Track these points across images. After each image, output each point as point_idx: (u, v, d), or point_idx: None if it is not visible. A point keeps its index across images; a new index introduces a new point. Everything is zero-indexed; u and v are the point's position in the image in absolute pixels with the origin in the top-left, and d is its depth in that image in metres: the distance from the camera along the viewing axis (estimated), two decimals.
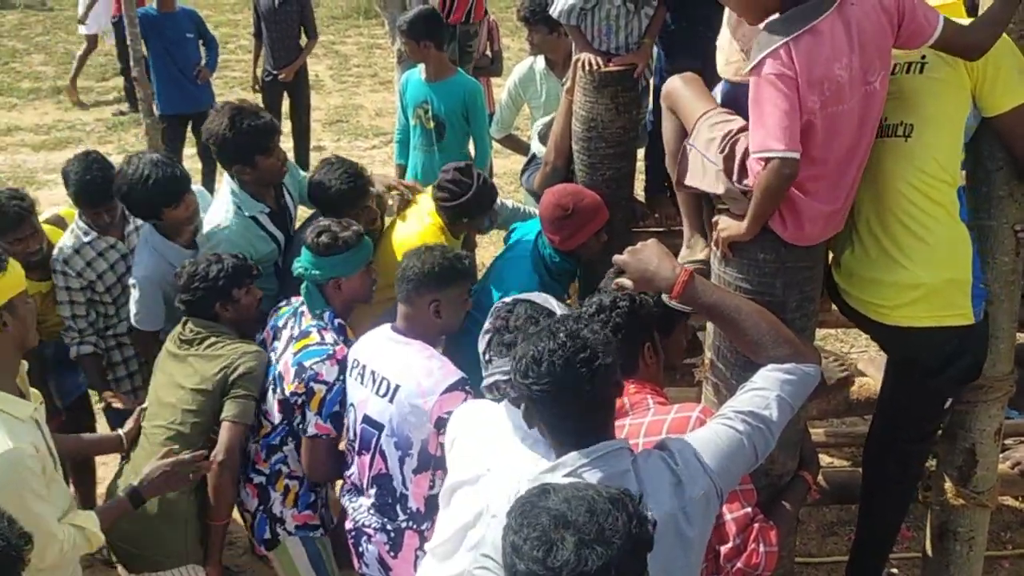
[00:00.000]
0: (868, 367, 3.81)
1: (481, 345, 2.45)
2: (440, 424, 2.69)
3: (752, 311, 2.30)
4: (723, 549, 2.25)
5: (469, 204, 3.69)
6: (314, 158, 8.54)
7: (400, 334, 2.91)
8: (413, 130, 5.26)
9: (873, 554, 3.17)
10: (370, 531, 2.90)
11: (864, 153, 2.47)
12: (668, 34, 3.82)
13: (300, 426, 3.02)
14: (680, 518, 1.92)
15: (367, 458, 2.89)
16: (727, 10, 2.81)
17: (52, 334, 3.66)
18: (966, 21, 2.54)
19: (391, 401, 2.80)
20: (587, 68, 3.47)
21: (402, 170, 5.40)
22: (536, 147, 4.16)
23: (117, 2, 8.47)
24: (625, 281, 2.41)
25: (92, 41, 10.61)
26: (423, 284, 2.86)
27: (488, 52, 6.47)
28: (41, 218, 3.69)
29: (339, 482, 3.14)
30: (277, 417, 3.07)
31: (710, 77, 4.03)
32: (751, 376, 2.24)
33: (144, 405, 3.23)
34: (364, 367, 2.91)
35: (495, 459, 2.28)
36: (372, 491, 2.89)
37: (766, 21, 2.37)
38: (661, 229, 3.84)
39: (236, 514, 3.30)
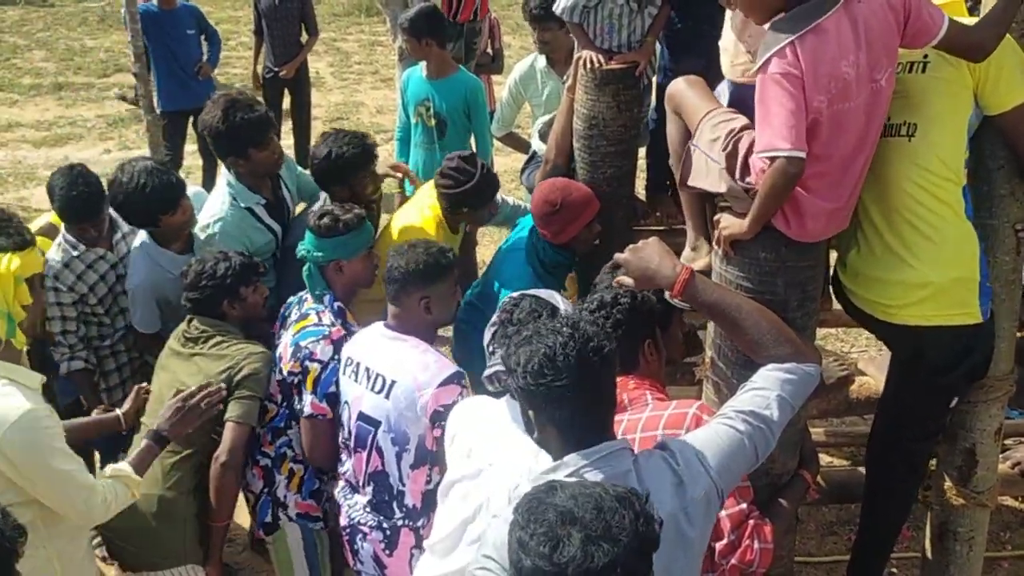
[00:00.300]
0: (868, 367, 3.80)
1: (486, 337, 2.48)
2: (436, 418, 2.70)
3: (753, 310, 2.30)
4: (718, 545, 2.24)
5: (471, 192, 3.68)
6: None
7: (393, 330, 2.92)
8: (414, 128, 5.25)
9: (875, 553, 3.16)
10: (366, 529, 2.90)
11: (870, 151, 2.47)
12: (672, 32, 3.81)
13: (299, 408, 3.04)
14: (681, 518, 1.92)
15: (363, 455, 2.89)
16: (729, 12, 2.81)
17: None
18: (969, 21, 2.54)
19: (387, 397, 2.81)
20: (588, 66, 3.47)
21: None
22: (537, 145, 4.16)
23: None
24: (626, 279, 2.40)
25: None
26: (410, 283, 2.88)
27: (489, 50, 6.47)
28: (33, 227, 3.59)
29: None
30: (278, 398, 3.10)
31: (714, 76, 4.04)
32: (752, 375, 2.24)
33: (143, 385, 3.21)
34: (358, 364, 2.91)
35: (496, 454, 2.28)
36: (368, 489, 2.89)
37: (772, 20, 2.37)
38: (662, 227, 3.84)
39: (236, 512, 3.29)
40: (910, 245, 2.59)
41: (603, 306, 2.49)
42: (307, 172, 4.00)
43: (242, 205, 3.61)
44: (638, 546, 1.53)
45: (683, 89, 2.87)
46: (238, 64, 11.55)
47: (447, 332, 3.94)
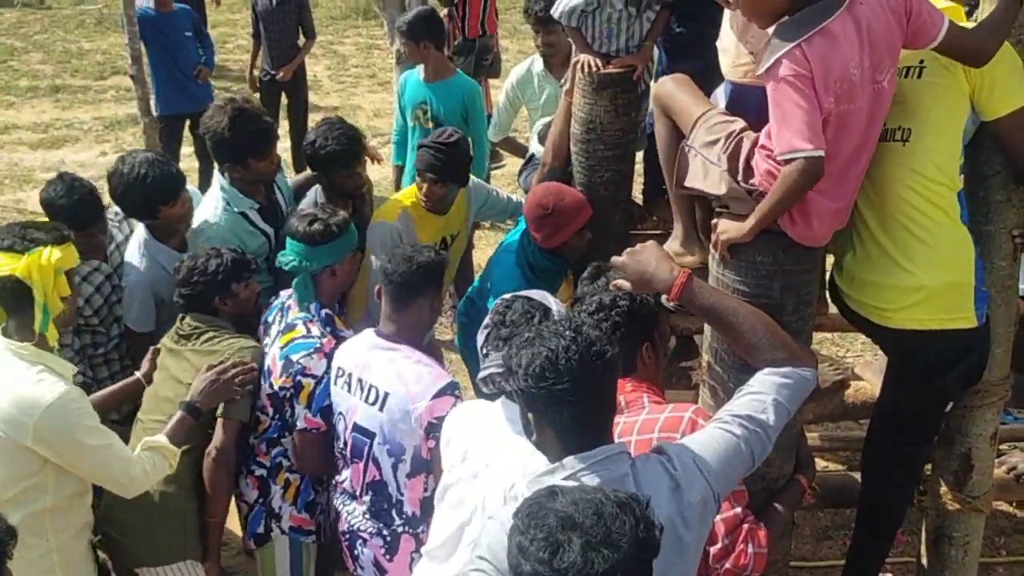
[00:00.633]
0: (864, 371, 3.80)
1: (480, 339, 2.47)
2: (430, 430, 2.68)
3: (749, 314, 2.30)
4: (712, 550, 2.24)
5: (441, 158, 3.70)
6: None
7: (385, 338, 2.88)
8: (412, 131, 5.25)
9: (870, 558, 3.16)
10: (365, 535, 2.89)
11: (869, 151, 2.48)
12: (671, 36, 3.81)
13: (291, 419, 3.01)
14: (678, 523, 1.92)
15: (360, 466, 2.87)
16: (728, 12, 2.81)
17: None
18: (967, 25, 2.54)
19: (381, 409, 2.79)
20: (586, 70, 3.47)
21: (399, 171, 5.39)
22: (535, 147, 4.16)
23: None
24: (623, 283, 2.40)
25: None
26: (427, 284, 2.87)
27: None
28: None
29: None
30: (270, 411, 3.06)
31: (712, 79, 4.04)
32: (748, 379, 2.23)
33: (157, 347, 3.22)
34: (350, 375, 2.88)
35: (492, 457, 2.27)
36: (367, 497, 2.88)
37: (776, 24, 2.37)
38: (659, 231, 3.83)
39: (230, 518, 3.28)
40: (905, 249, 2.59)
41: (601, 308, 2.48)
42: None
43: (235, 210, 3.60)
44: (638, 552, 1.53)
45: (671, 89, 2.87)
46: (235, 67, 11.53)
47: (443, 336, 3.95)
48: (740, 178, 2.50)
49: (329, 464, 3.08)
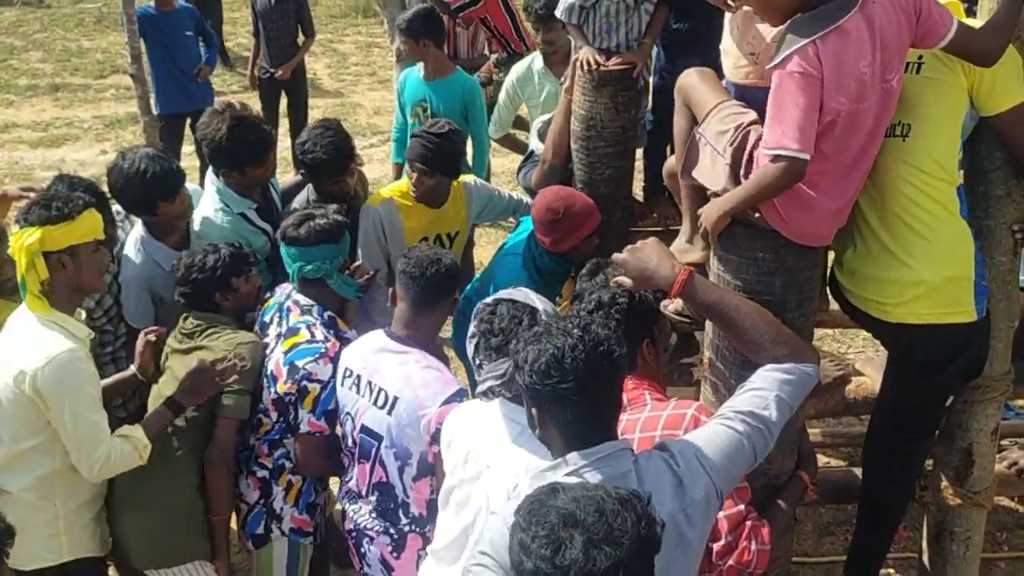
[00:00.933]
0: (865, 367, 3.80)
1: (469, 349, 2.43)
2: (436, 436, 2.66)
3: (751, 310, 2.30)
4: (715, 546, 2.24)
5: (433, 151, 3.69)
6: None
7: (397, 341, 2.86)
8: (411, 128, 5.24)
9: (872, 554, 3.16)
10: (372, 533, 2.88)
11: (875, 151, 2.48)
12: (669, 33, 3.82)
13: (295, 422, 3.01)
14: (681, 519, 1.92)
15: (367, 466, 2.87)
16: (729, 15, 2.80)
17: None
18: (968, 21, 2.54)
19: (389, 413, 2.77)
20: (586, 67, 3.47)
21: (399, 168, 5.38)
22: (535, 144, 4.16)
23: None
24: (624, 279, 2.40)
25: None
26: (450, 285, 2.88)
27: (487, 51, 6.46)
28: None
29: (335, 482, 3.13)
30: (273, 416, 3.05)
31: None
32: (750, 375, 2.23)
33: (149, 335, 3.20)
34: (359, 377, 2.87)
35: (494, 457, 2.27)
36: (373, 497, 2.87)
37: (790, 21, 2.36)
38: (660, 228, 3.84)
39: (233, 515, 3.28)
40: (904, 244, 2.59)
41: (601, 307, 2.48)
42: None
43: (235, 211, 3.60)
44: (640, 549, 1.53)
45: (694, 80, 2.87)
46: (236, 65, 11.52)
47: (445, 333, 3.95)
48: (743, 173, 2.50)
49: (329, 467, 3.08)
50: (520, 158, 4.78)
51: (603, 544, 1.50)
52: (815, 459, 2.79)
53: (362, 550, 2.93)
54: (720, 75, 2.91)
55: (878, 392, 3.09)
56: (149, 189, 3.34)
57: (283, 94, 7.85)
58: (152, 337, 3.18)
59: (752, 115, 2.57)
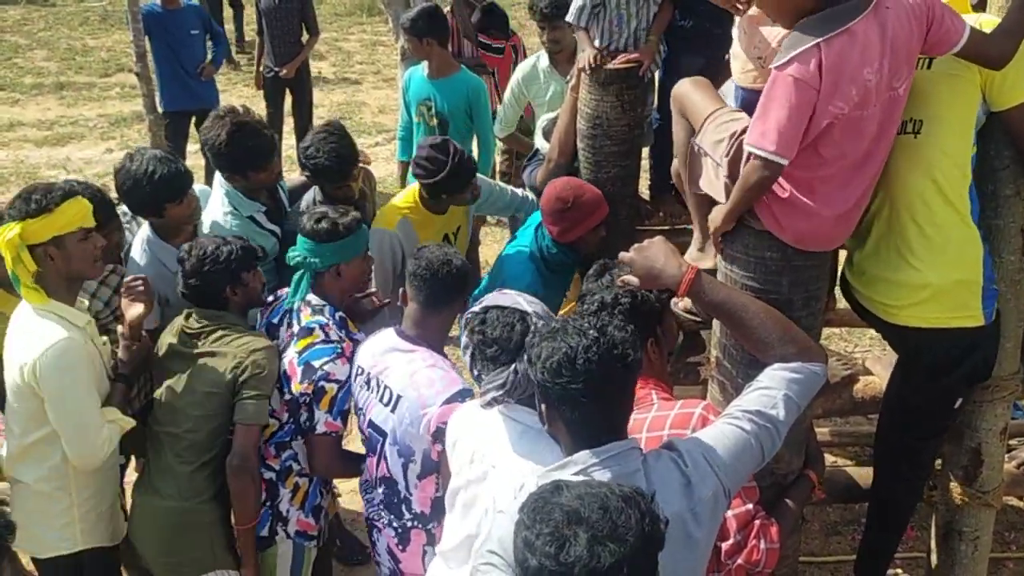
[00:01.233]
0: (873, 366, 3.80)
1: (466, 360, 2.42)
2: (438, 435, 2.66)
3: (759, 309, 2.29)
4: (724, 546, 2.24)
5: (445, 180, 3.64)
6: None
7: (406, 339, 2.87)
8: (416, 127, 5.25)
9: (880, 553, 3.16)
10: (380, 524, 2.91)
11: (881, 158, 2.46)
12: (673, 29, 3.81)
13: (306, 423, 3.00)
14: (688, 519, 1.92)
15: (374, 460, 2.89)
16: (737, 19, 2.80)
17: None
18: (972, 18, 2.52)
19: (393, 411, 2.78)
20: (588, 68, 3.46)
21: (405, 167, 5.39)
22: (540, 143, 4.15)
23: None
24: (631, 278, 2.40)
25: None
26: (464, 287, 2.88)
27: None
28: None
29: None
30: (283, 416, 3.04)
31: (712, 76, 4.03)
32: (757, 374, 2.23)
33: (125, 331, 3.12)
34: (368, 374, 2.89)
35: (499, 457, 2.27)
36: (380, 489, 2.90)
37: (801, 21, 2.34)
38: (666, 227, 3.84)
39: None
40: (913, 245, 2.58)
41: (604, 307, 2.46)
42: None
43: (244, 214, 3.60)
44: (644, 546, 1.53)
45: (688, 90, 2.87)
46: (241, 64, 11.54)
47: (455, 332, 3.96)
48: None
49: (343, 467, 3.09)
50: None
51: (607, 541, 1.50)
52: (823, 458, 2.79)
53: (373, 538, 2.98)
54: (727, 75, 2.91)
55: (885, 391, 3.09)
56: (156, 191, 3.34)
57: (288, 93, 7.86)
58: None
59: (745, 121, 2.56)
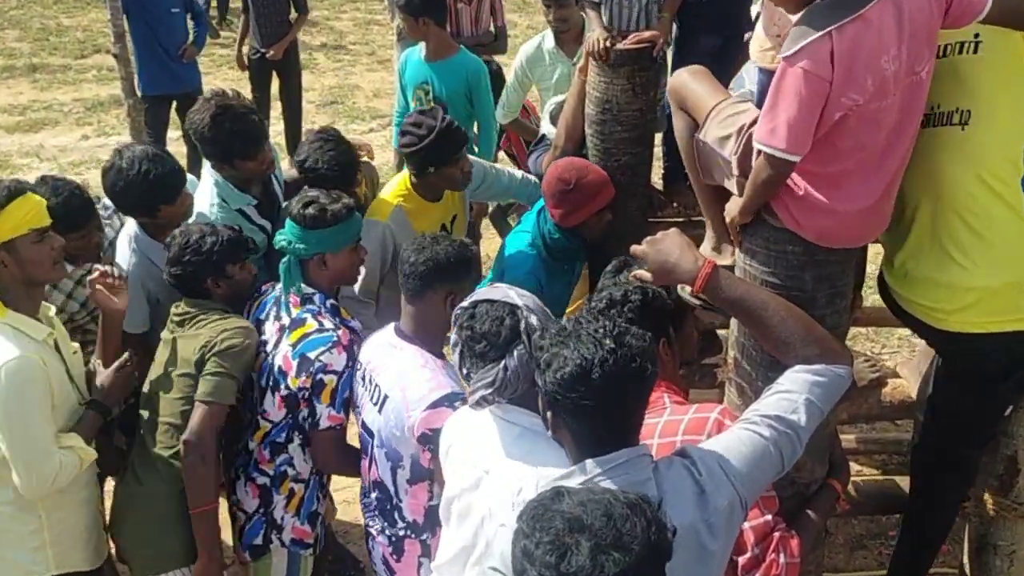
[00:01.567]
0: (902, 369, 3.79)
1: (455, 358, 2.41)
2: (424, 440, 2.67)
3: (780, 307, 2.29)
4: (741, 560, 2.23)
5: (432, 148, 3.59)
6: None
7: (401, 336, 2.88)
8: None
9: (916, 568, 3.16)
10: (374, 531, 2.93)
11: (907, 147, 2.44)
12: (689, 7, 3.81)
13: (307, 420, 3.01)
14: (702, 530, 1.91)
15: (366, 462, 2.91)
16: None
17: None
18: None
19: (380, 411, 2.80)
20: (596, 49, 3.45)
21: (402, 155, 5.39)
22: (547, 128, 4.15)
23: None
24: (644, 273, 2.39)
25: None
26: (437, 278, 2.83)
27: (491, 28, 6.45)
28: None
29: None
30: (279, 415, 3.03)
31: (730, 57, 4.02)
32: (777, 377, 2.23)
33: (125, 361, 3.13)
34: (364, 369, 2.91)
35: (492, 462, 2.26)
36: (373, 494, 2.91)
37: (808, 8, 2.32)
38: (681, 219, 3.83)
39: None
40: (960, 243, 2.55)
41: (612, 304, 2.45)
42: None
43: (232, 207, 3.59)
44: (650, 555, 1.52)
45: (687, 81, 2.85)
46: (226, 44, 11.55)
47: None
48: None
49: (349, 462, 3.08)
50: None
51: (611, 550, 1.50)
52: (848, 467, 2.78)
53: (369, 546, 2.99)
54: (747, 56, 2.90)
55: (928, 398, 3.05)
56: (151, 192, 3.33)
57: (275, 76, 7.84)
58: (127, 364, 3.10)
59: (752, 113, 2.55)
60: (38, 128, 9.41)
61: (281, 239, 3.11)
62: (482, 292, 2.43)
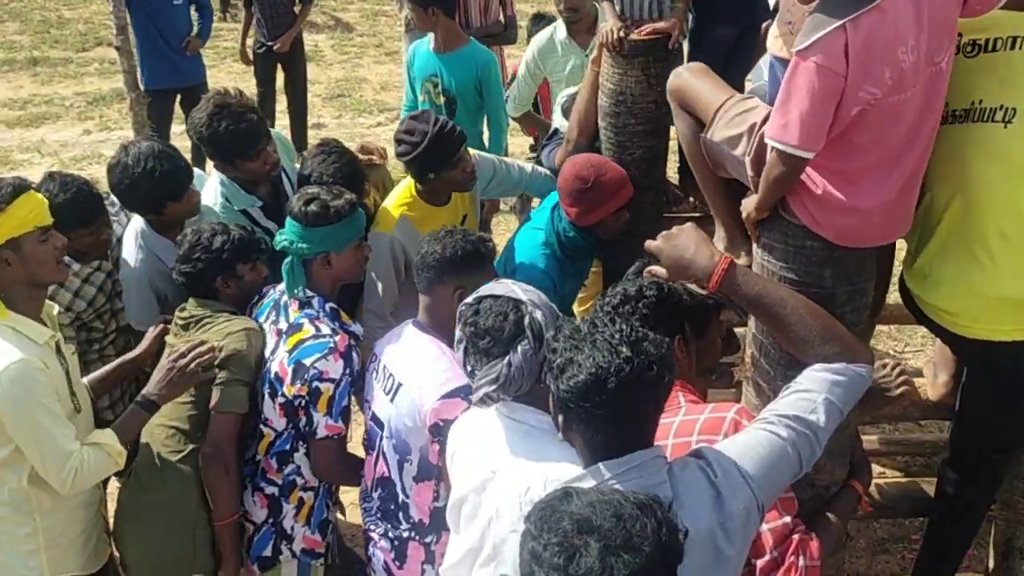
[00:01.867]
0: (926, 368, 3.78)
1: (459, 354, 2.42)
2: (436, 431, 2.68)
3: (798, 304, 2.28)
4: (759, 563, 2.23)
5: (427, 154, 3.55)
6: (313, 136, 8.57)
7: (418, 327, 2.90)
8: (422, 106, 5.24)
9: (941, 573, 3.15)
10: (375, 536, 2.92)
11: (927, 140, 2.43)
12: None
13: (306, 428, 3.01)
14: (718, 534, 1.91)
15: (372, 458, 2.91)
16: None
17: None
18: None
19: (392, 400, 2.81)
20: (609, 40, 3.44)
21: None
22: (559, 121, 4.15)
23: None
24: (659, 269, 2.39)
25: None
26: (445, 271, 2.84)
27: (500, 18, 6.45)
28: None
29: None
30: (281, 423, 3.04)
31: (746, 48, 4.01)
32: (796, 376, 2.22)
33: (162, 322, 3.24)
34: (380, 361, 2.93)
35: (499, 462, 2.27)
36: (376, 494, 2.91)
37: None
38: (697, 214, 3.82)
39: None
40: (990, 247, 2.53)
41: (627, 300, 2.44)
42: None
43: (236, 208, 3.60)
44: (661, 557, 1.53)
45: (689, 81, 2.84)
46: (230, 37, 11.58)
47: None
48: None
49: (349, 471, 3.09)
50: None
51: (621, 551, 1.50)
52: (870, 468, 2.77)
53: (369, 553, 2.98)
54: (764, 48, 2.89)
55: (958, 402, 3.03)
56: (158, 190, 3.36)
57: (279, 69, 7.85)
58: (164, 327, 3.21)
59: (761, 110, 2.54)
60: (39, 123, 9.46)
61: (282, 239, 3.09)
62: (486, 287, 2.43)
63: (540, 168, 4.13)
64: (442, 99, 5.14)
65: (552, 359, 1.97)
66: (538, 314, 2.29)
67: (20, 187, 2.76)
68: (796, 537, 2.26)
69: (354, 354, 3.01)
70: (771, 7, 3.88)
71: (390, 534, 2.87)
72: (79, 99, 10.03)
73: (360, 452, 3.10)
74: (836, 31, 2.22)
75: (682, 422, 2.32)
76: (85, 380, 3.14)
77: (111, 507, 3.24)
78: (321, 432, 2.98)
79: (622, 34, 3.43)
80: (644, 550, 1.50)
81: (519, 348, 2.25)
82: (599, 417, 1.88)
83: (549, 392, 2.00)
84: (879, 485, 3.31)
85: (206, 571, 3.08)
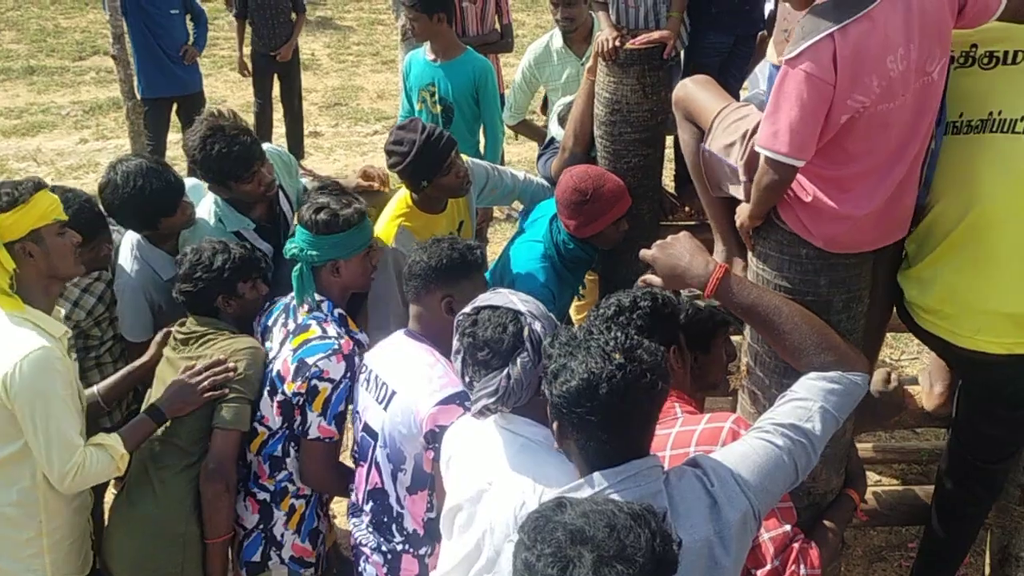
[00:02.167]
0: (922, 376, 3.78)
1: (457, 367, 2.42)
2: (431, 438, 2.67)
3: (794, 312, 2.29)
4: (760, 572, 2.23)
5: (418, 161, 3.54)
6: (309, 144, 8.59)
7: (410, 336, 2.90)
8: (418, 115, 5.25)
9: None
10: (367, 550, 2.90)
11: (919, 149, 2.43)
12: (699, 5, 3.82)
13: (299, 428, 3.02)
14: (715, 543, 1.91)
15: (364, 470, 2.90)
16: None
17: None
18: None
19: (386, 408, 2.80)
20: (606, 52, 3.46)
21: None
22: (555, 131, 4.15)
23: None
24: (653, 278, 2.39)
25: None
26: (432, 280, 2.85)
27: (497, 26, 6.46)
28: None
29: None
30: (276, 421, 3.05)
31: (745, 55, 4.02)
32: (792, 384, 2.23)
33: (169, 330, 3.25)
34: (371, 371, 2.92)
35: (495, 473, 2.27)
36: (368, 507, 2.89)
37: (812, 6, 2.33)
38: (692, 222, 3.83)
39: None
40: (998, 258, 2.52)
41: (621, 311, 2.44)
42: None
43: (228, 230, 3.59)
44: (655, 568, 1.53)
45: (692, 91, 2.85)
46: (226, 46, 11.60)
47: None
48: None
49: (335, 479, 3.09)
50: (537, 146, 4.79)
51: (615, 562, 1.50)
52: (865, 477, 2.78)
53: (360, 569, 2.95)
54: (760, 56, 2.91)
55: (954, 414, 3.04)
56: (150, 207, 3.36)
57: (275, 78, 7.86)
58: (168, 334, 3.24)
59: (755, 116, 2.55)
60: (35, 131, 9.46)
61: (292, 247, 3.12)
62: (484, 297, 2.42)
63: (533, 176, 4.13)
64: (439, 108, 5.15)
65: (547, 365, 1.98)
66: (537, 326, 2.29)
67: (40, 183, 2.86)
68: (796, 546, 2.27)
69: (357, 360, 3.02)
70: (766, 16, 3.89)
71: (383, 548, 2.85)
72: (75, 108, 10.04)
73: (349, 463, 3.10)
74: (825, 40, 2.22)
75: (679, 433, 2.33)
76: (95, 389, 3.20)
77: (107, 517, 3.24)
78: (313, 432, 2.98)
79: (618, 43, 3.45)
80: (638, 561, 1.50)
81: (518, 360, 2.24)
82: (592, 424, 1.88)
83: (547, 403, 2.00)
84: (875, 493, 3.32)
85: None
